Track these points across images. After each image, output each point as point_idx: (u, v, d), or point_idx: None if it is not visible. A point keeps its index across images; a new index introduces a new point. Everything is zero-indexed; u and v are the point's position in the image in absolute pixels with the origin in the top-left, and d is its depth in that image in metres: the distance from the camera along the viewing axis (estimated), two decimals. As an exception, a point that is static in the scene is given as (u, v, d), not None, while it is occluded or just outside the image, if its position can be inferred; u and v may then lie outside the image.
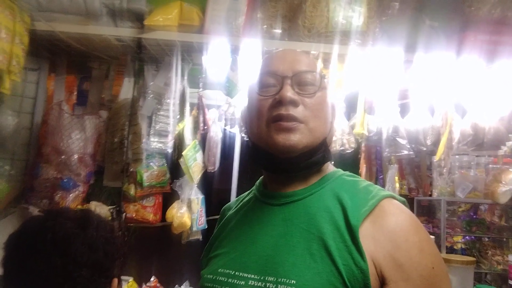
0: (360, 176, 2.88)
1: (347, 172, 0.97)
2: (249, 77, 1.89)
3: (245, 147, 2.41)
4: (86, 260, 0.99)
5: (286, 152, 0.85)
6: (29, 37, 1.82)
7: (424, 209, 2.78)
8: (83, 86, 2.28)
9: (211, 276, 0.87)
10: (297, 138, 0.84)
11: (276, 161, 0.88)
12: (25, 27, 1.78)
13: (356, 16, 1.80)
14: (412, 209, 2.97)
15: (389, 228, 0.78)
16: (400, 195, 2.95)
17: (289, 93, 0.85)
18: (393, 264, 0.75)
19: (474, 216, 2.73)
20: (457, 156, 2.58)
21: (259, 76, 0.91)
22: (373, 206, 0.81)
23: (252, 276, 0.81)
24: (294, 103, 0.85)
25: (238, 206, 1.03)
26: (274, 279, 0.78)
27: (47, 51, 2.16)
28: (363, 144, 2.65)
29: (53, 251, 0.97)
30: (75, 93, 2.28)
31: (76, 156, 1.91)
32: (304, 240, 0.81)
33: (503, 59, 1.88)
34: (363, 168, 2.85)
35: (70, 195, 1.90)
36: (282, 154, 0.85)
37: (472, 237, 2.59)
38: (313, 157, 0.88)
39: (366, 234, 0.77)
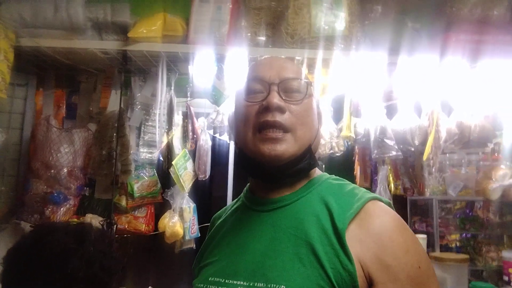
0: (355, 178, 2.90)
1: (333, 176, 0.98)
2: (235, 84, 1.90)
3: (236, 154, 2.42)
4: (83, 275, 1.00)
5: (272, 162, 0.86)
6: (16, 53, 1.83)
7: (418, 209, 2.78)
8: (72, 99, 2.30)
9: (202, 285, 0.87)
10: (283, 148, 0.85)
11: (263, 169, 0.89)
12: (10, 44, 1.79)
13: (338, 21, 1.82)
14: (405, 209, 2.98)
15: (374, 230, 0.80)
16: (395, 195, 2.94)
17: (275, 99, 0.86)
18: (380, 265, 0.77)
19: (470, 214, 2.74)
20: (447, 155, 2.59)
21: (246, 83, 0.92)
22: (358, 209, 0.82)
23: (242, 282, 0.81)
24: (281, 110, 0.86)
25: (227, 214, 1.04)
26: (263, 284, 0.79)
27: (35, 67, 2.17)
28: (356, 147, 2.66)
29: (50, 266, 0.98)
30: (64, 107, 2.29)
31: (65, 170, 1.92)
32: (292, 245, 0.82)
33: (486, 58, 1.90)
34: (357, 170, 2.86)
35: (61, 208, 1.91)
36: (268, 163, 0.86)
37: (468, 234, 2.60)
38: (299, 165, 0.89)
39: (352, 236, 0.79)
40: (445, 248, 2.53)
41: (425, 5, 2.05)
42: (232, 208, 1.03)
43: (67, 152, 1.95)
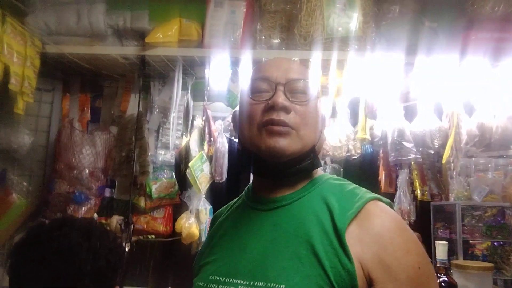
0: (380, 183, 2.84)
1: (334, 176, 0.98)
2: (243, 82, 1.92)
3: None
4: (89, 269, 1.02)
5: (275, 156, 0.86)
6: (42, 60, 1.94)
7: (442, 215, 2.69)
8: (96, 103, 2.40)
9: (202, 283, 0.88)
10: (287, 142, 0.85)
11: (265, 166, 0.90)
12: (36, 51, 1.90)
13: (351, 22, 1.80)
14: (428, 214, 2.88)
15: (375, 230, 0.79)
16: (422, 201, 2.85)
17: (281, 99, 0.87)
18: (380, 265, 0.76)
19: (502, 221, 2.62)
20: (473, 158, 2.50)
21: (252, 81, 0.93)
22: (359, 209, 0.82)
23: (242, 281, 0.82)
24: (286, 109, 0.87)
25: (228, 212, 1.05)
26: (263, 284, 0.79)
27: (61, 73, 2.28)
28: (381, 151, 2.61)
29: (57, 260, 1.01)
30: (89, 110, 2.39)
31: (87, 171, 2.00)
32: (293, 244, 0.82)
33: (508, 57, 1.82)
34: (382, 175, 2.80)
35: (83, 208, 1.99)
36: (271, 158, 0.87)
37: (496, 243, 2.48)
38: (302, 164, 0.90)
39: (352, 236, 0.78)
40: (470, 256, 2.42)
41: (444, 4, 2.00)
42: (233, 207, 1.04)
43: (89, 154, 2.03)
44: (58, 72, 2.25)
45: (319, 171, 0.97)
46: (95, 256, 1.04)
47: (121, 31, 2.03)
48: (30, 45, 1.84)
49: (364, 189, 0.90)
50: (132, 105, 2.14)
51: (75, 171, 2.00)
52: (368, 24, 1.85)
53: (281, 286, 0.77)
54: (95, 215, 2.14)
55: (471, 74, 1.87)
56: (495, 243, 2.44)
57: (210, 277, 0.87)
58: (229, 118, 2.23)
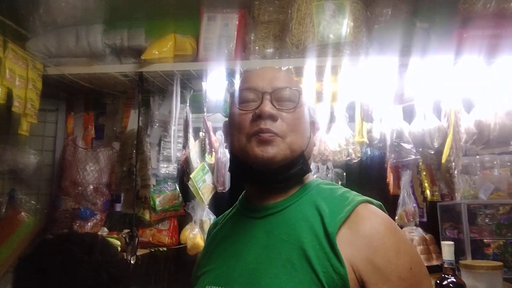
0: (388, 185, 2.82)
1: (326, 181, 1.00)
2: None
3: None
4: (92, 283, 1.05)
5: (264, 164, 0.88)
6: (45, 81, 2.01)
7: (450, 215, 2.65)
8: (100, 121, 2.46)
9: None
10: (275, 150, 0.87)
11: (256, 174, 0.92)
12: (38, 73, 1.97)
13: (342, 28, 1.82)
14: (436, 215, 2.84)
15: (365, 232, 0.80)
16: (433, 202, 2.80)
17: (268, 107, 0.89)
18: (372, 267, 0.77)
19: (515, 219, 2.57)
20: (478, 157, 2.46)
21: (239, 92, 0.95)
22: (349, 212, 0.83)
23: None
24: (273, 118, 0.89)
25: (223, 222, 1.07)
26: None
27: (64, 93, 2.36)
28: (387, 154, 2.60)
29: (59, 275, 1.05)
30: (93, 128, 2.45)
31: (91, 187, 2.05)
32: (285, 250, 0.83)
33: (504, 53, 1.81)
34: (390, 177, 2.78)
35: (88, 223, 2.03)
36: (261, 166, 0.88)
37: (507, 241, 2.43)
38: (292, 170, 0.91)
39: (343, 240, 0.80)
40: (481, 256, 2.37)
41: (435, 4, 2.00)
42: (228, 216, 1.06)
43: (92, 170, 2.08)
44: (61, 93, 2.33)
45: (310, 177, 0.99)
46: (97, 270, 1.07)
47: (118, 50, 2.09)
48: (32, 68, 1.91)
49: (354, 193, 0.91)
50: (132, 121, 2.19)
51: (79, 188, 2.05)
52: (359, 29, 1.86)
53: None
54: (105, 228, 2.19)
55: (465, 72, 1.87)
56: (507, 242, 2.39)
57: (207, 287, 0.89)
58: (229, 129, 2.25)
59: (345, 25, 1.83)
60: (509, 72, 1.83)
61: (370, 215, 0.84)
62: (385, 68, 1.88)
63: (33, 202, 2.15)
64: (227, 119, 2.06)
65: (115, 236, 2.08)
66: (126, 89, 2.32)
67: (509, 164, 2.44)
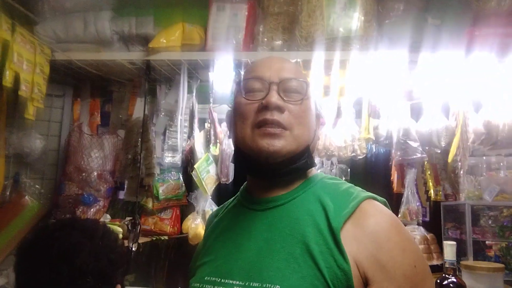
0: (392, 183, 2.80)
1: (329, 175, 0.99)
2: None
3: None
4: (92, 268, 1.06)
5: (269, 157, 0.86)
6: (52, 67, 2.01)
7: (453, 215, 2.63)
8: (106, 108, 2.46)
9: (198, 284, 0.88)
10: (281, 144, 0.85)
11: (260, 166, 0.90)
12: (46, 58, 1.97)
13: (352, 22, 1.80)
14: (439, 215, 2.83)
15: (370, 229, 0.79)
16: (436, 201, 2.79)
17: (274, 98, 0.87)
18: (376, 264, 0.76)
19: (518, 222, 2.55)
20: (484, 157, 2.44)
21: (245, 81, 0.93)
22: (354, 208, 0.82)
23: (237, 282, 0.82)
24: (280, 109, 0.87)
25: (223, 213, 1.05)
26: (258, 284, 0.79)
27: (71, 78, 2.35)
28: (393, 151, 2.58)
29: (60, 259, 1.05)
30: (99, 115, 2.45)
31: (95, 173, 2.06)
32: (288, 244, 0.82)
33: (515, 52, 1.78)
34: (394, 175, 2.77)
35: (91, 209, 2.04)
36: (266, 159, 0.87)
37: (510, 244, 2.41)
38: (296, 163, 0.90)
39: (348, 236, 0.78)
40: (482, 257, 2.36)
41: (447, 1, 1.97)
42: (229, 207, 1.04)
43: (97, 157, 2.09)
44: (68, 78, 2.32)
45: (313, 171, 0.97)
46: (97, 255, 1.08)
47: (126, 37, 2.08)
48: (40, 53, 1.91)
49: (358, 188, 0.90)
50: (138, 109, 2.19)
51: (83, 174, 2.06)
52: (369, 23, 1.84)
53: (276, 287, 0.77)
54: (107, 215, 2.20)
55: (476, 70, 1.84)
56: (509, 244, 2.38)
57: (206, 278, 0.88)
58: (234, 120, 2.24)
59: (355, 19, 1.80)
60: (521, 72, 1.80)
61: (375, 211, 0.83)
62: (395, 64, 1.86)
63: (37, 186, 2.16)
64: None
65: (117, 223, 2.09)
66: (132, 77, 2.32)
67: (500, 166, 2.42)
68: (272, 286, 0.77)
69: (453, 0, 1.99)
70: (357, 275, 0.75)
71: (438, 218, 2.84)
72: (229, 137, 2.19)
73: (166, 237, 2.30)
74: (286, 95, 0.89)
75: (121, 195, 2.31)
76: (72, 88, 2.38)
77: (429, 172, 2.72)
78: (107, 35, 2.00)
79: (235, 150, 0.98)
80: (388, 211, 0.86)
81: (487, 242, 2.42)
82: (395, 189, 2.70)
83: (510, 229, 2.41)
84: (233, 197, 1.08)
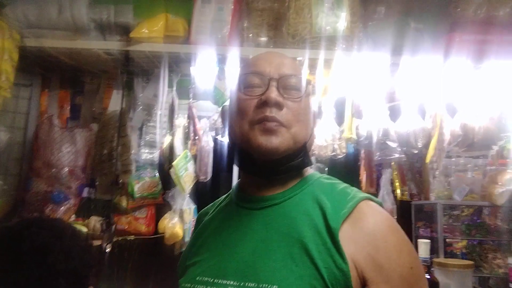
0: (360, 183, 2.87)
1: (325, 175, 0.97)
2: (233, 77, 1.90)
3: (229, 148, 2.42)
4: (63, 269, 0.99)
5: (267, 154, 0.84)
6: (21, 54, 1.85)
7: (423, 214, 2.74)
8: (76, 100, 2.32)
9: (189, 284, 0.85)
10: (279, 140, 0.84)
11: (256, 163, 0.88)
12: (15, 44, 1.82)
13: (339, 21, 1.81)
14: (409, 214, 2.94)
15: (368, 229, 0.79)
16: (402, 201, 2.90)
17: (274, 94, 0.85)
18: (374, 265, 0.76)
19: (478, 220, 2.69)
20: (453, 159, 2.55)
21: (244, 76, 0.91)
22: (351, 208, 0.81)
23: (232, 282, 0.79)
24: (279, 106, 0.85)
25: (215, 211, 1.02)
26: (255, 284, 0.77)
27: (40, 67, 2.20)
28: (362, 151, 2.64)
29: (29, 260, 0.97)
30: (68, 107, 2.31)
31: (66, 169, 1.93)
32: (285, 244, 0.80)
33: (491, 59, 1.87)
34: (363, 175, 2.83)
35: (61, 208, 1.91)
36: (263, 156, 0.85)
37: (474, 241, 2.55)
38: (293, 161, 0.89)
39: (345, 236, 0.78)
40: (450, 255, 2.47)
41: (429, 5, 2.03)
42: (221, 205, 1.02)
43: (68, 152, 1.96)
44: (37, 67, 2.17)
45: (309, 170, 0.96)
46: (68, 256, 1.01)
47: (104, 26, 1.96)
48: (8, 38, 1.76)
49: (355, 189, 0.90)
50: (114, 102, 2.08)
51: (53, 170, 1.92)
52: (355, 24, 1.86)
53: (274, 287, 0.75)
54: (73, 216, 2.08)
55: (455, 75, 1.91)
56: (474, 242, 2.50)
57: (197, 278, 0.85)
58: (215, 117, 2.20)
59: (342, 19, 1.81)
60: (496, 78, 1.89)
61: (373, 212, 0.83)
62: (378, 65, 1.89)
63: (0, 182, 2.00)
64: (216, 106, 2.00)
65: (81, 222, 1.99)
66: (108, 68, 2.20)
67: (480, 167, 2.55)
68: (269, 286, 0.76)
69: (432, 6, 2.07)
70: (355, 276, 0.75)
71: (404, 217, 2.95)
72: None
73: (132, 237, 2.21)
74: (285, 92, 0.88)
75: (85, 192, 2.19)
76: (41, 78, 2.22)
77: (395, 173, 2.82)
78: (83, 22, 1.88)
79: (231, 147, 0.96)
80: (385, 212, 0.86)
81: (447, 239, 2.54)
82: (363, 188, 2.76)
83: (476, 227, 2.54)
84: (225, 195, 1.05)
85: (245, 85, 0.90)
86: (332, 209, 0.82)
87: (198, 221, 1.06)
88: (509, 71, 1.87)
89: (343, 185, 0.91)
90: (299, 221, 0.82)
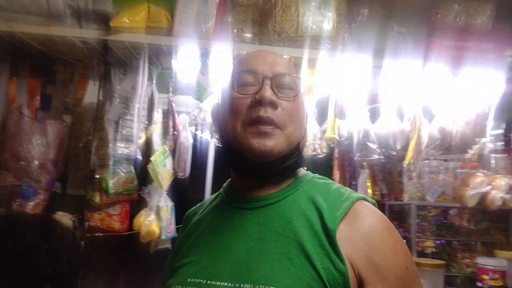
0: (334, 182, 2.91)
1: (317, 175, 0.97)
2: (220, 78, 1.87)
3: (217, 153, 2.37)
4: (51, 273, 0.93)
5: (260, 157, 0.83)
6: (-12, 38, 1.74)
7: (395, 214, 2.80)
8: (47, 90, 2.19)
9: (180, 286, 0.83)
10: (273, 143, 0.82)
11: (250, 165, 0.86)
12: (-17, 27, 1.70)
13: (325, 21, 1.81)
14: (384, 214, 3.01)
15: (364, 230, 0.79)
16: (376, 201, 2.97)
17: (268, 93, 0.84)
18: (370, 265, 0.76)
19: (444, 221, 2.79)
20: (426, 161, 2.62)
21: (237, 74, 0.89)
22: (347, 209, 0.81)
23: (226, 284, 0.78)
24: (273, 105, 0.84)
25: (205, 211, 0.99)
26: (250, 286, 0.76)
27: (8, 54, 2.06)
28: (336, 151, 2.66)
29: (14, 263, 0.90)
30: (38, 97, 2.18)
31: (36, 162, 1.82)
32: (281, 244, 0.79)
33: (467, 65, 1.93)
34: (336, 174, 2.86)
35: (30, 203, 1.81)
36: (256, 158, 0.83)
37: (443, 240, 2.63)
38: (287, 162, 0.87)
39: (342, 236, 0.78)
40: (420, 254, 2.54)
41: (410, 10, 2.08)
42: (211, 205, 0.99)
43: (39, 144, 1.85)
44: (5, 53, 2.03)
45: (302, 170, 0.96)
46: (56, 258, 0.94)
47: (81, 13, 1.87)
48: (-25, 20, 1.64)
49: (348, 189, 0.90)
50: (90, 93, 1.99)
51: (22, 162, 1.81)
52: (341, 24, 1.87)
53: None
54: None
55: (434, 79, 1.96)
56: (443, 241, 2.59)
57: (189, 280, 0.82)
58: (195, 112, 2.15)
59: (329, 19, 1.82)
60: (472, 84, 1.95)
61: (369, 212, 0.84)
62: (362, 67, 1.91)
63: (-39, 175, 1.86)
64: (197, 102, 1.95)
65: None
66: (82, 57, 2.09)
67: (451, 170, 2.64)
68: None
69: (414, 11, 2.11)
70: (352, 276, 0.76)
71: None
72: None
73: (101, 234, 2.12)
74: (279, 91, 0.87)
75: (55, 187, 2.07)
76: (9, 65, 2.08)
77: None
78: (59, 8, 1.79)
79: (223, 146, 0.94)
80: (380, 212, 0.87)
81: (423, 239, 2.61)
82: (337, 188, 2.80)
83: (446, 227, 2.62)
84: (214, 195, 1.03)
85: (238, 83, 0.88)
86: (328, 210, 0.81)
87: (186, 222, 1.03)
88: (485, 78, 1.94)
89: (336, 185, 0.91)
90: (295, 221, 0.82)
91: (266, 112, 0.83)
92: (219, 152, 2.11)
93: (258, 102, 0.83)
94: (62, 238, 1.00)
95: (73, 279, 0.99)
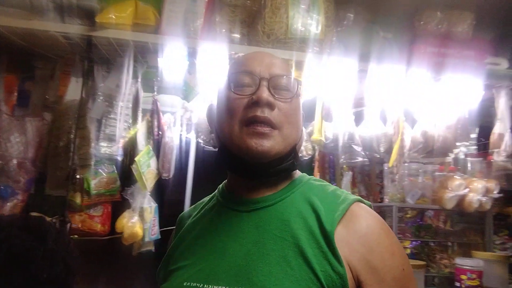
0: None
1: (313, 177, 0.97)
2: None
3: (201, 153, 2.35)
4: (47, 276, 0.89)
5: (257, 158, 0.82)
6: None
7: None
8: (25, 86, 2.11)
9: None
10: (270, 144, 0.82)
11: (246, 166, 0.86)
12: (-40, 19, 1.61)
13: (314, 24, 1.82)
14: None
15: (362, 232, 0.80)
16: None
17: (265, 94, 0.83)
18: (368, 267, 0.76)
19: (421, 222, 2.86)
20: (406, 164, 2.68)
21: (234, 75, 0.88)
22: (344, 211, 0.81)
23: (223, 287, 0.76)
24: (270, 106, 0.84)
25: (199, 213, 0.98)
26: None
27: (-15, 47, 1.97)
28: (317, 153, 2.69)
29: (9, 267, 0.86)
30: (15, 93, 2.09)
31: (15, 161, 1.75)
32: (279, 247, 0.78)
33: (449, 71, 1.99)
34: (317, 176, 2.90)
35: (7, 204, 1.73)
36: (253, 159, 0.83)
37: (421, 241, 2.70)
38: (284, 164, 0.87)
39: (340, 238, 0.78)
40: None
41: (394, 16, 2.12)
42: (206, 207, 0.98)
43: (17, 142, 1.78)
44: (-19, 47, 1.94)
45: (298, 171, 0.96)
46: (52, 262, 0.90)
47: (64, 7, 1.80)
48: (-48, 11, 1.56)
49: (344, 191, 0.91)
50: (72, 90, 1.92)
51: (0, 162, 1.73)
52: (329, 28, 1.88)
53: None
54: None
55: (417, 84, 2.01)
56: (421, 242, 2.66)
57: (185, 283, 0.80)
58: (180, 112, 2.12)
59: (317, 22, 1.83)
60: (454, 90, 2.01)
61: (366, 214, 0.84)
62: (348, 70, 1.93)
63: None
64: (184, 101, 1.93)
65: None
66: (64, 53, 2.02)
67: (430, 173, 2.71)
68: None
69: (398, 17, 2.16)
70: (350, 278, 0.76)
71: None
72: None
73: (76, 236, 2.06)
74: (276, 92, 0.87)
75: (33, 187, 1.99)
76: (-15, 60, 1.99)
77: (347, 175, 2.91)
78: (41, 2, 1.72)
79: (219, 147, 0.93)
80: (376, 215, 0.88)
81: (402, 240, 2.67)
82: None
83: (425, 229, 2.69)
84: (209, 197, 1.02)
85: (235, 84, 0.88)
86: (325, 212, 0.81)
87: (179, 224, 1.02)
88: (465, 84, 2.00)
89: (332, 187, 0.92)
90: (292, 223, 0.81)
91: (263, 112, 0.83)
92: (207, 154, 2.08)
93: (255, 103, 0.83)
94: (56, 241, 0.96)
95: (69, 282, 0.95)
